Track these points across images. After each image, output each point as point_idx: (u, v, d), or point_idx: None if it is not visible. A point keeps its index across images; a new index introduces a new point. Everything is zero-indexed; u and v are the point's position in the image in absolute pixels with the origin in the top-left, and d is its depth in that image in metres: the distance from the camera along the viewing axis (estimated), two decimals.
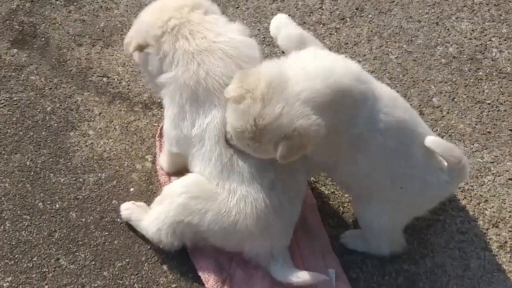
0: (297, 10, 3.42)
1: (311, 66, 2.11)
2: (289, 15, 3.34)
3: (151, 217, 2.47)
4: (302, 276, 2.34)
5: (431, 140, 2.25)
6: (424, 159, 2.27)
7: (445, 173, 2.28)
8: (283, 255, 2.41)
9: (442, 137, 2.85)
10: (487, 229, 2.65)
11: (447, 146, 2.28)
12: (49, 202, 2.68)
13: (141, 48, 2.43)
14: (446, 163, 2.27)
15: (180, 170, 2.64)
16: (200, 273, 2.48)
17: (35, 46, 3.23)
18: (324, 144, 2.12)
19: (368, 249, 2.55)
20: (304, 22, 3.36)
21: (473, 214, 2.69)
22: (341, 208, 2.70)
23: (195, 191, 2.35)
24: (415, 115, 2.36)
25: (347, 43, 3.29)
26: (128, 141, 2.89)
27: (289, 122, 2.01)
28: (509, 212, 2.70)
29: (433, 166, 2.28)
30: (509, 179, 2.80)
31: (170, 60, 2.38)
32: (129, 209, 2.60)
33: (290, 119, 2.01)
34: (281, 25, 2.48)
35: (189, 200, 2.34)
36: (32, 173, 2.77)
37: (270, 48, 3.23)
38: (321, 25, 3.36)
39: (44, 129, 2.91)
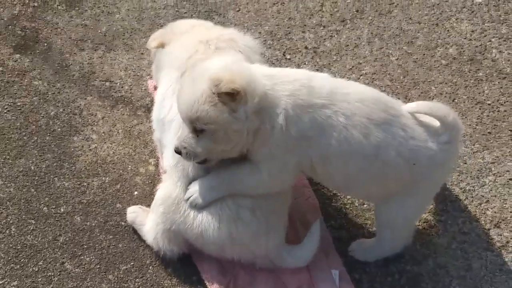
0: (297, 12, 3.43)
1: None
2: (289, 18, 3.40)
3: (148, 226, 2.50)
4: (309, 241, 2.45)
5: (415, 105, 2.25)
6: (418, 127, 2.23)
7: (443, 135, 2.24)
8: (279, 252, 2.42)
9: None
10: (488, 230, 2.67)
11: (430, 104, 2.27)
12: (53, 206, 2.70)
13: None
14: (438, 124, 2.24)
15: None
16: (204, 276, 2.50)
17: (38, 51, 3.25)
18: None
19: (379, 255, 2.54)
20: (305, 25, 3.37)
21: (475, 215, 2.71)
22: (344, 210, 2.72)
23: (168, 202, 2.35)
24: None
25: (348, 45, 3.30)
26: (131, 145, 2.91)
27: None
28: (511, 212, 2.71)
29: (429, 132, 2.23)
30: (510, 179, 2.81)
31: None
32: (135, 212, 2.62)
33: None
34: None
35: (167, 210, 2.35)
36: (37, 177, 2.79)
37: (271, 51, 3.25)
38: (322, 27, 3.38)
39: (48, 134, 2.93)
